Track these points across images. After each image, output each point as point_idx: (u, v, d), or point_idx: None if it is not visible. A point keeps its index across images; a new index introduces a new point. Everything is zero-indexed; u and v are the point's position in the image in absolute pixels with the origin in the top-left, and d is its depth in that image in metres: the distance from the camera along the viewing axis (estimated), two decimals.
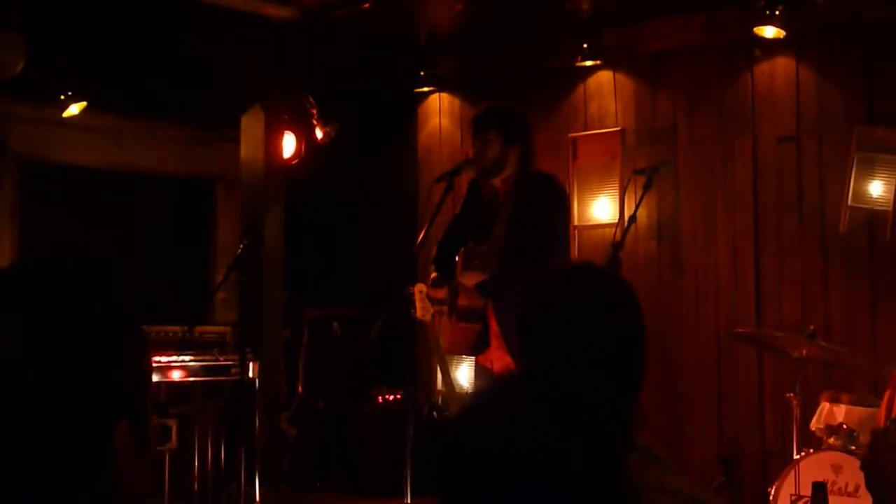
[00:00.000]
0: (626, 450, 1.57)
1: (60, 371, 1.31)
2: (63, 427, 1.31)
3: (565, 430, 1.42)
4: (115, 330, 1.37)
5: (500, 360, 5.61)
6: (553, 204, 5.72)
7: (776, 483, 5.67)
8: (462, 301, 5.72)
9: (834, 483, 5.44)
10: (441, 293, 5.89)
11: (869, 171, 7.17)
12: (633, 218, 5.55)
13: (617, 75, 8.43)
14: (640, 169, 6.13)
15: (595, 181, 8.45)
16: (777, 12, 7.23)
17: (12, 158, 9.26)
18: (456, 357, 7.85)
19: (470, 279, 5.59)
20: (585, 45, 8.25)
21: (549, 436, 1.41)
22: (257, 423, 7.57)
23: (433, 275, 5.88)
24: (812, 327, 5.90)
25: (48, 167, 9.49)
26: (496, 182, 5.73)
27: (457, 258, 5.81)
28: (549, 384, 1.51)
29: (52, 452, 1.30)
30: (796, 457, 5.65)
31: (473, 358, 6.01)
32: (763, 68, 7.72)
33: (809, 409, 6.19)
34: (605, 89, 8.48)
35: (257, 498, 7.15)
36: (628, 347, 2.25)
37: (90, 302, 1.37)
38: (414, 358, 9.05)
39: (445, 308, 5.97)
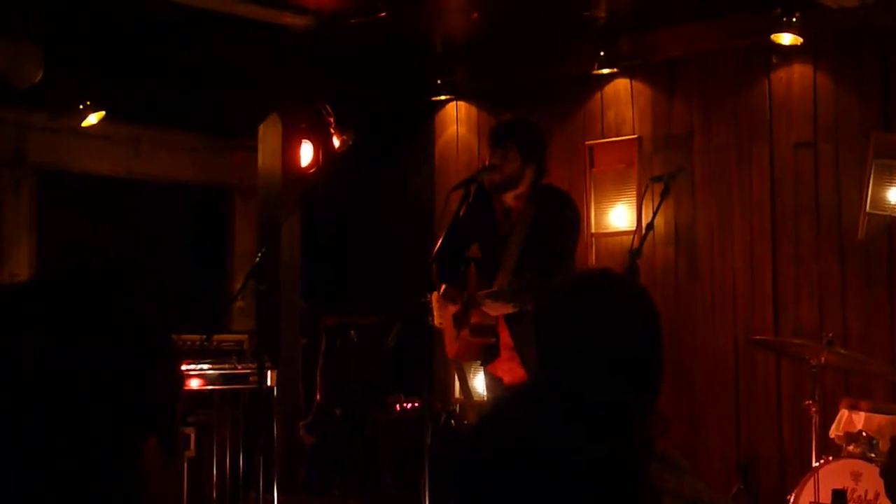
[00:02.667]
0: (645, 456, 1.57)
1: (84, 386, 1.31)
2: (90, 439, 1.31)
3: (584, 437, 1.42)
4: (141, 342, 1.38)
5: (510, 371, 5.60)
6: (568, 226, 5.72)
7: (795, 491, 5.65)
8: (475, 318, 5.70)
9: (853, 491, 5.42)
10: (453, 309, 5.85)
11: (887, 177, 7.15)
12: (650, 225, 5.53)
13: (633, 83, 8.42)
14: (658, 176, 6.11)
15: (612, 188, 8.44)
16: (794, 19, 7.22)
17: (30, 168, 9.30)
18: (472, 365, 7.84)
19: (496, 310, 5.55)
20: (602, 53, 8.25)
21: (567, 442, 1.41)
22: (275, 431, 7.58)
23: (443, 287, 5.85)
24: (830, 334, 5.88)
25: (66, 176, 9.53)
26: (508, 199, 5.70)
27: (468, 273, 5.79)
28: (567, 391, 1.51)
29: (81, 463, 1.31)
30: (815, 464, 5.63)
31: (482, 366, 6.00)
32: (780, 75, 7.70)
33: (828, 417, 6.17)
34: (621, 97, 8.48)
35: None
36: (646, 353, 2.25)
37: (115, 315, 1.38)
38: (431, 365, 9.05)
39: (449, 313, 5.93)
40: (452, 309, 5.86)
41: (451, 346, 5.95)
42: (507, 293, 5.38)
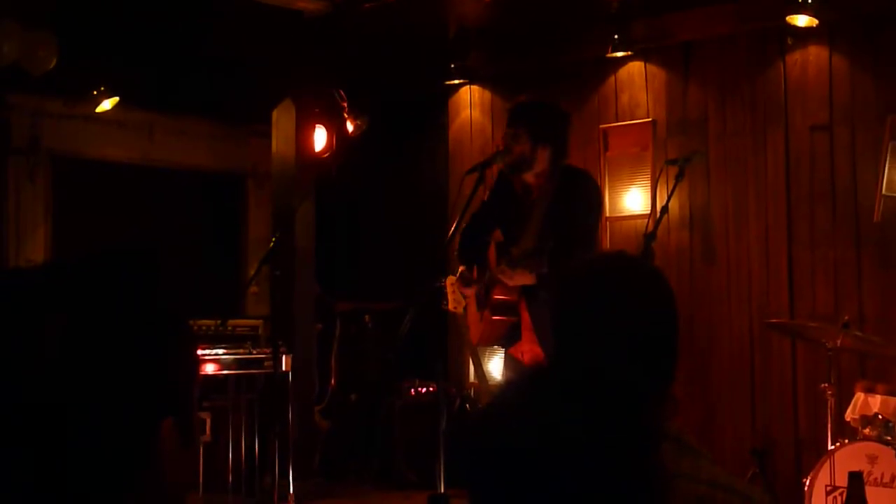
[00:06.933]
0: (658, 439, 1.57)
1: (104, 370, 1.32)
2: (109, 422, 1.32)
3: (597, 419, 1.41)
4: (160, 326, 1.38)
5: (531, 352, 5.60)
6: (590, 200, 5.72)
7: (811, 474, 5.64)
8: (496, 295, 5.71)
9: (869, 473, 5.41)
10: (468, 292, 5.87)
11: None
12: (665, 209, 5.52)
13: (648, 66, 8.40)
14: (673, 159, 6.10)
15: (626, 172, 8.42)
16: (809, 1, 7.19)
17: (45, 154, 9.32)
18: (488, 349, 7.84)
19: (515, 279, 5.56)
20: (616, 36, 8.22)
21: (580, 423, 1.41)
22: (290, 416, 7.60)
23: (461, 269, 5.87)
24: (846, 317, 5.87)
25: (81, 162, 9.55)
26: (528, 178, 5.71)
27: (489, 253, 5.81)
28: (581, 373, 1.51)
29: (98, 447, 1.31)
30: (831, 447, 5.62)
31: (503, 350, 6.00)
32: (795, 57, 7.67)
33: (844, 400, 6.16)
34: (636, 80, 8.45)
35: (291, 490, 7.18)
36: (662, 336, 2.24)
37: (134, 299, 1.38)
38: (446, 350, 9.05)
39: (471, 298, 5.95)
40: (472, 294, 5.88)
41: (475, 331, 5.96)
42: (521, 255, 5.40)
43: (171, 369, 1.37)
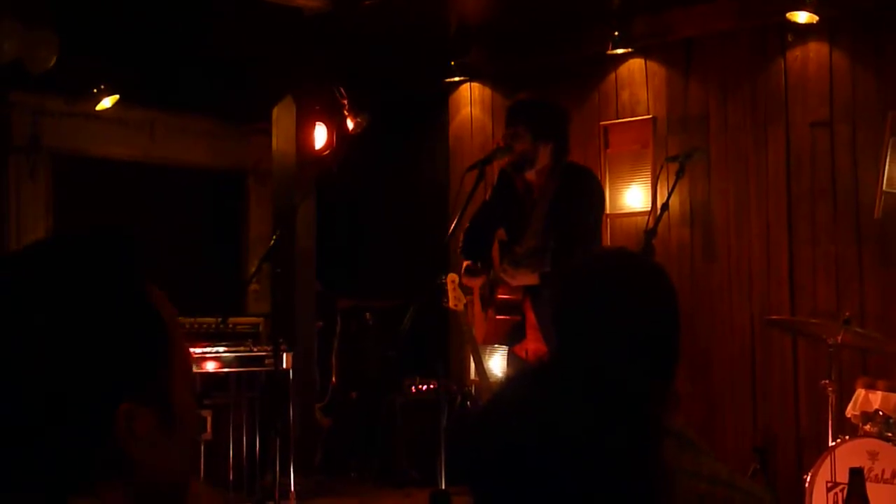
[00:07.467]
0: (660, 435, 1.57)
1: (50, 353, 1.31)
2: (55, 408, 1.31)
3: (598, 415, 1.41)
4: (114, 310, 1.36)
5: (535, 350, 5.61)
6: (591, 197, 5.72)
7: (812, 470, 5.64)
8: (501, 294, 5.72)
9: (870, 470, 5.41)
10: (475, 282, 5.89)
11: None
12: (665, 205, 5.52)
13: (648, 63, 8.39)
14: (673, 156, 6.10)
15: (627, 169, 8.42)
16: None
17: (46, 152, 9.33)
18: (489, 346, 7.84)
19: (517, 278, 5.57)
20: (616, 33, 8.22)
21: (581, 420, 1.41)
22: (291, 414, 7.61)
23: (466, 263, 5.88)
24: (847, 313, 5.86)
25: (81, 160, 9.55)
26: (530, 176, 5.71)
27: (493, 252, 5.81)
28: (582, 369, 1.51)
29: (47, 431, 1.31)
30: (832, 444, 5.63)
31: (506, 347, 6.01)
32: (796, 54, 7.67)
33: (845, 396, 6.16)
34: (636, 77, 8.45)
35: (292, 487, 7.19)
36: (663, 333, 2.24)
37: (82, 284, 1.37)
38: (446, 348, 9.06)
39: (475, 296, 5.97)
40: (477, 287, 5.89)
41: (479, 330, 5.97)
42: (523, 255, 5.41)
43: (126, 352, 1.35)
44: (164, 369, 1.38)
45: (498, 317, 5.76)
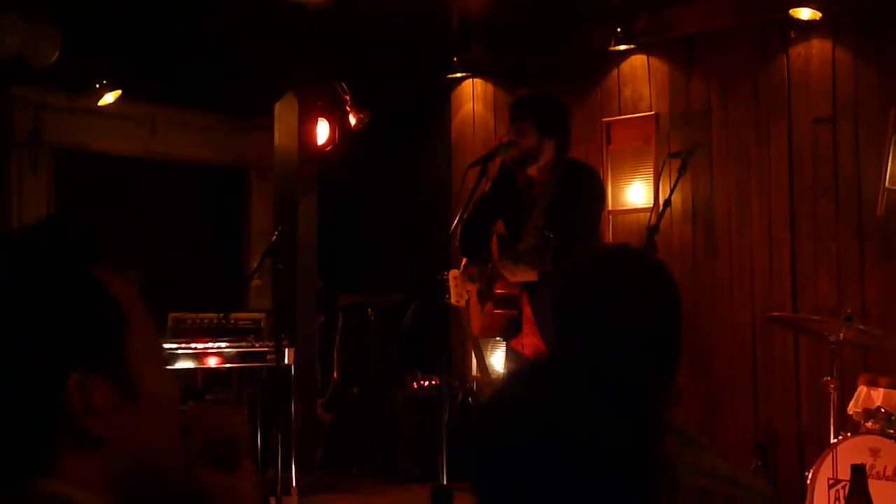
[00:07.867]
0: (661, 431, 1.57)
1: None
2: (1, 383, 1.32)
3: (599, 412, 1.41)
4: (53, 287, 1.37)
5: (532, 344, 5.61)
6: (592, 194, 5.72)
7: (813, 467, 5.64)
8: (499, 289, 5.72)
9: (872, 467, 5.41)
10: (472, 288, 5.88)
11: None
12: (668, 202, 5.51)
13: (650, 59, 8.39)
14: (676, 152, 6.09)
15: (629, 165, 8.42)
16: None
17: (48, 147, 9.33)
18: (490, 342, 7.85)
19: (517, 275, 5.57)
20: (619, 30, 8.21)
21: (582, 417, 1.40)
22: (292, 409, 7.61)
23: (471, 268, 5.87)
24: (849, 310, 5.86)
25: (83, 155, 9.56)
26: (532, 171, 5.70)
27: (492, 246, 5.80)
28: (584, 366, 1.50)
29: None
30: (834, 441, 5.62)
31: (505, 342, 6.01)
32: (798, 50, 7.66)
33: (847, 393, 6.16)
34: (638, 73, 8.44)
35: (293, 483, 7.19)
36: (665, 330, 2.23)
37: (21, 264, 1.38)
38: (448, 343, 9.06)
39: (473, 290, 5.96)
40: (475, 287, 5.89)
41: (476, 323, 5.97)
42: (524, 252, 5.40)
43: (70, 321, 1.35)
44: (119, 344, 1.37)
45: (495, 311, 5.75)
